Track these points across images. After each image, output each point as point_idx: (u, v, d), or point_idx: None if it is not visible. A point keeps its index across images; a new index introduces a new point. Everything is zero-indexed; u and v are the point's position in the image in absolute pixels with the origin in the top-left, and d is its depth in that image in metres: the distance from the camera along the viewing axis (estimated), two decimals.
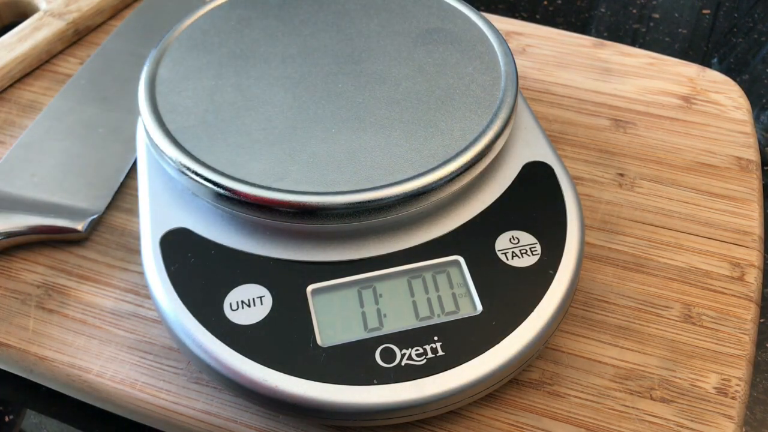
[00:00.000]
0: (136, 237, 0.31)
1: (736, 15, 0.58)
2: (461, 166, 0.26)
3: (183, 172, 0.26)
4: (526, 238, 0.27)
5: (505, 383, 0.26)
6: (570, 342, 0.28)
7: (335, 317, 0.25)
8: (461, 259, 0.26)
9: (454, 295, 0.25)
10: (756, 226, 0.32)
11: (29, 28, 0.41)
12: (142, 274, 0.27)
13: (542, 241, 0.27)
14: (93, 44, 0.42)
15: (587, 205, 0.33)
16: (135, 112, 0.36)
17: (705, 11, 0.58)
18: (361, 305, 0.25)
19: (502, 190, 0.28)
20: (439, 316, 0.25)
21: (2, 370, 0.28)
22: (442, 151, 0.27)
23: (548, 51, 0.42)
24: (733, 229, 0.32)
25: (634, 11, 0.58)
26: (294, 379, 0.23)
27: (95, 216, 0.32)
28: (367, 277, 0.26)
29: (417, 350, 0.24)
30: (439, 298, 0.25)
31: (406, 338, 0.24)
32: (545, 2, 0.58)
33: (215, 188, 0.26)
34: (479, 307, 0.25)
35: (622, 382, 0.26)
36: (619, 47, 0.43)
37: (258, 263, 0.26)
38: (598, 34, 0.55)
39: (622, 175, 0.35)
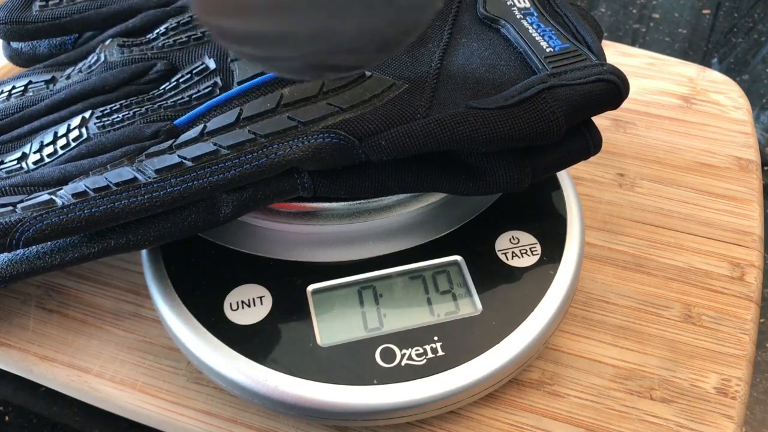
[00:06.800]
0: None
1: (736, 15, 0.58)
2: None
3: None
4: (526, 238, 0.27)
5: (505, 383, 0.26)
6: (570, 342, 0.28)
7: (335, 317, 0.25)
8: (461, 259, 0.26)
9: (454, 295, 0.25)
10: (756, 226, 0.32)
11: None
12: (142, 274, 0.27)
13: (542, 241, 0.27)
14: None
15: (587, 205, 0.33)
16: None
17: (705, 11, 0.58)
18: (361, 305, 0.25)
19: None
20: (439, 316, 0.25)
21: (2, 370, 0.28)
22: None
23: None
24: (733, 229, 0.32)
25: (634, 11, 0.58)
26: (294, 379, 0.23)
27: None
28: (367, 278, 0.26)
29: (417, 350, 0.24)
30: (439, 298, 0.25)
31: (406, 338, 0.24)
32: None
33: None
34: (479, 307, 0.25)
35: (622, 382, 0.26)
36: (619, 47, 0.43)
37: (258, 263, 0.26)
38: None
39: (622, 175, 0.35)
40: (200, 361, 0.24)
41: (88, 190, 0.22)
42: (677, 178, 0.35)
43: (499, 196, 0.28)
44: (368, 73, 0.26)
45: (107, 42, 0.29)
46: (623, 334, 0.28)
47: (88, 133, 0.26)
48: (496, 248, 0.27)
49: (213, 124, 0.24)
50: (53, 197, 0.22)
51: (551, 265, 0.26)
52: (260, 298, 0.25)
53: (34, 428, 0.29)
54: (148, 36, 0.29)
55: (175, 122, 0.25)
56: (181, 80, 0.27)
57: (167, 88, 0.27)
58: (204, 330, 0.24)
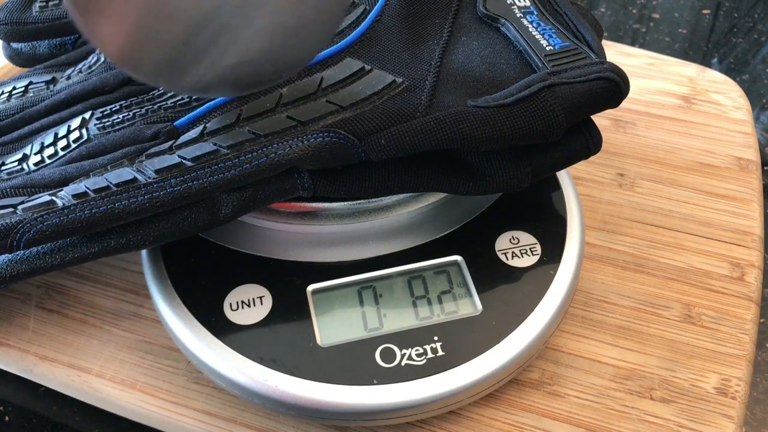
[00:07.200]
0: None
1: (736, 15, 0.58)
2: None
3: None
4: (526, 238, 0.27)
5: (505, 383, 0.26)
6: (570, 342, 0.28)
7: (335, 317, 0.25)
8: (461, 259, 0.26)
9: (454, 295, 0.25)
10: (756, 226, 0.32)
11: None
12: (142, 274, 0.27)
13: (542, 241, 0.27)
14: None
15: (587, 205, 0.33)
16: None
17: (705, 11, 0.58)
18: (361, 305, 0.25)
19: None
20: (439, 316, 0.25)
21: (2, 370, 0.28)
22: None
23: None
24: (733, 229, 0.32)
25: (634, 11, 0.58)
26: (294, 379, 0.23)
27: None
28: (367, 278, 0.26)
29: (417, 350, 0.24)
30: (439, 298, 0.25)
31: (406, 338, 0.24)
32: None
33: None
34: (479, 307, 0.25)
35: (622, 382, 0.26)
36: (619, 47, 0.43)
37: (258, 263, 0.26)
38: None
39: (622, 175, 0.35)
40: (200, 361, 0.24)
41: (88, 191, 0.22)
42: (677, 178, 0.35)
43: (499, 196, 0.28)
44: (368, 68, 0.26)
45: None
46: (623, 334, 0.28)
47: (88, 135, 0.26)
48: (496, 248, 0.27)
49: (213, 124, 0.24)
50: (54, 198, 0.22)
51: (551, 265, 0.26)
52: (260, 298, 0.25)
53: (34, 428, 0.29)
54: None
55: (176, 123, 0.25)
56: None
57: None
58: (204, 330, 0.24)
